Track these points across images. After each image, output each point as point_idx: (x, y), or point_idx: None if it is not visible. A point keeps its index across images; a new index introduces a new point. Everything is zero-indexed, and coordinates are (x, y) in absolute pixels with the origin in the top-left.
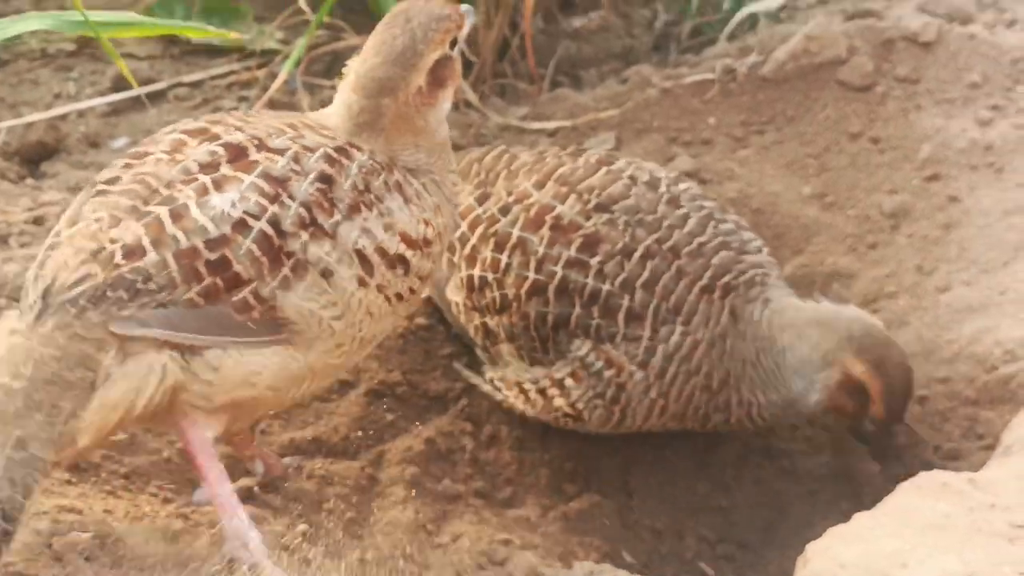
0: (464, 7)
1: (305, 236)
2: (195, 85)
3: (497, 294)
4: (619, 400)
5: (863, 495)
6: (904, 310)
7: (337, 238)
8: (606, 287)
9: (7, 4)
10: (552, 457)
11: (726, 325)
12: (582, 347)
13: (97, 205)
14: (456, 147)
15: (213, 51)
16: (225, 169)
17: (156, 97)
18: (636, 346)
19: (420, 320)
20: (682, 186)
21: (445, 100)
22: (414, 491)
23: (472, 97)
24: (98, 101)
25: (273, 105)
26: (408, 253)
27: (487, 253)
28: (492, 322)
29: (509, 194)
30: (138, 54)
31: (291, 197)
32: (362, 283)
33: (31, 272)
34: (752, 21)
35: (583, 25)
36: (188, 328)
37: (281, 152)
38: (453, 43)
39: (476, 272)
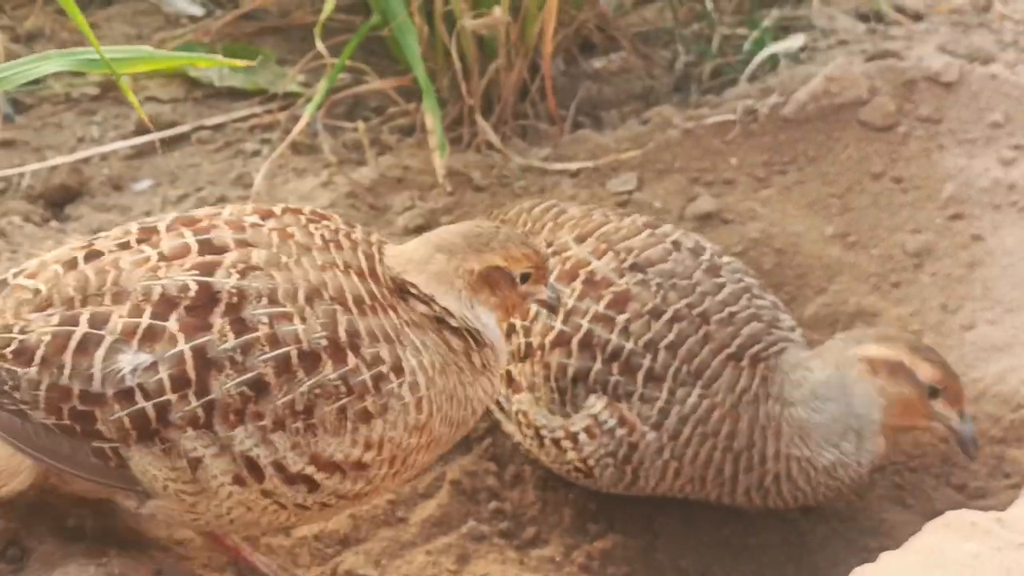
0: (551, 284)
1: (189, 433)
2: (217, 128)
3: (523, 341)
4: (631, 460)
5: (888, 535)
6: None
7: (228, 441)
8: (629, 345)
9: (31, 48)
10: (576, 496)
11: (756, 391)
12: (597, 404)
13: (54, 271)
14: (478, 188)
15: (235, 94)
16: (174, 319)
17: (179, 140)
18: (651, 407)
19: None
20: (725, 259)
21: (487, 306)
22: (438, 530)
23: (494, 138)
24: (121, 144)
25: (294, 147)
26: (318, 476)
27: None
28: (515, 370)
29: (548, 245)
30: (161, 97)
31: (203, 391)
32: (239, 482)
33: None
34: (773, 62)
35: (604, 66)
36: (40, 446)
37: (249, 327)
38: (524, 277)
39: None
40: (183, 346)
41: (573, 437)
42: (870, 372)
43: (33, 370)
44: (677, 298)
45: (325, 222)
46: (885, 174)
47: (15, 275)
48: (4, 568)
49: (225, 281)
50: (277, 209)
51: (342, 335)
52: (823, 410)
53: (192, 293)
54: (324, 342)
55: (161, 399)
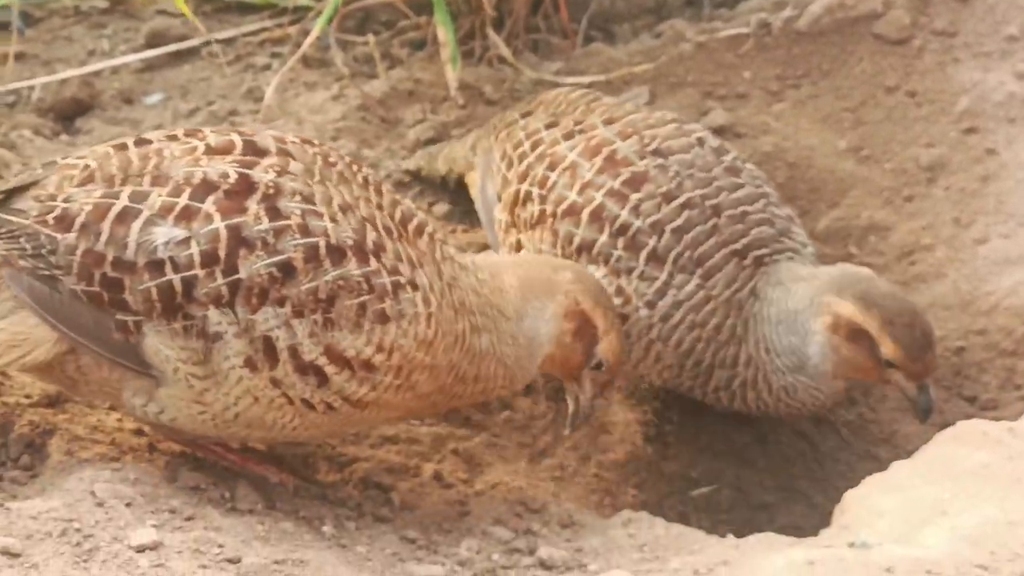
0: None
1: (212, 311)
2: (228, 42)
3: (536, 208)
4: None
5: (899, 446)
6: (941, 262)
7: (249, 323)
8: (637, 223)
9: None
10: None
11: (743, 297)
12: (596, 272)
13: (104, 151)
14: (489, 102)
15: (246, 8)
16: (211, 200)
17: (189, 53)
18: (648, 286)
19: None
20: (748, 165)
21: (553, 344)
22: (451, 440)
23: (506, 52)
24: (132, 58)
25: (305, 61)
26: (329, 368)
27: (539, 170)
28: (524, 237)
29: (577, 124)
30: (171, 11)
31: (231, 269)
32: (250, 365)
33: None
34: None
35: None
36: (65, 317)
37: (282, 215)
38: (576, 333)
39: (524, 186)
40: (218, 224)
41: None
42: (832, 329)
43: (72, 235)
44: (692, 187)
45: (374, 186)
46: (899, 88)
47: (64, 157)
48: (20, 475)
49: (264, 176)
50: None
51: (369, 243)
52: (781, 338)
53: (232, 180)
54: (350, 241)
55: (189, 273)
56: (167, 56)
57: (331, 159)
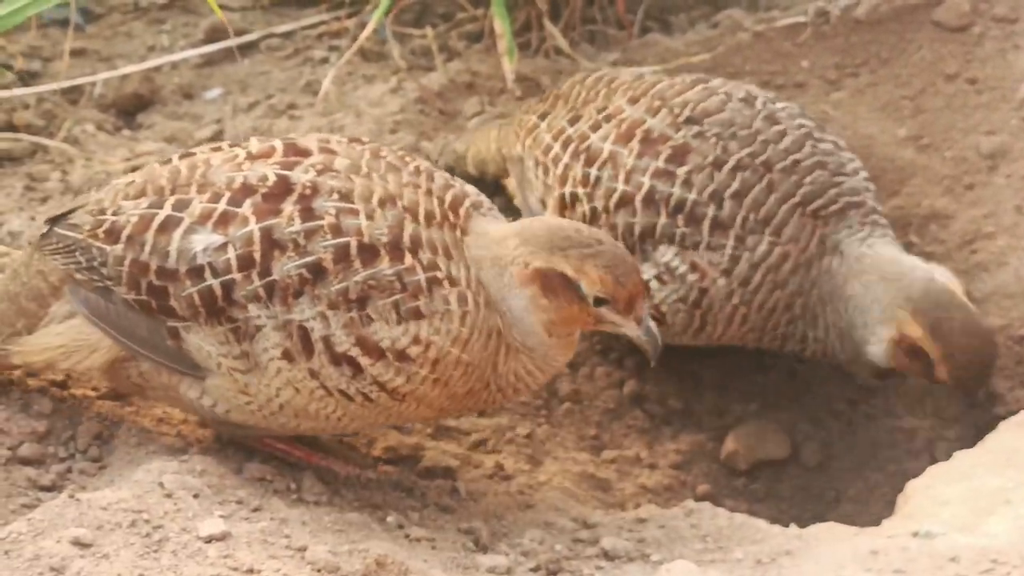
0: (648, 327)
1: (252, 307)
2: (286, 36)
3: (587, 207)
4: (700, 305)
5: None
6: (1002, 250)
7: (288, 307)
8: (692, 196)
9: None
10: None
11: (813, 254)
12: (667, 252)
13: (152, 167)
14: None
15: (304, 1)
16: (248, 204)
17: (248, 48)
18: (720, 254)
19: None
20: (780, 104)
21: (534, 305)
22: (511, 435)
23: (562, 43)
24: (191, 53)
25: (363, 54)
26: (363, 359)
27: (578, 170)
28: None
29: (600, 111)
30: (231, 5)
31: (266, 271)
32: (288, 357)
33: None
34: None
35: None
36: (120, 326)
37: (316, 215)
38: (598, 301)
39: (567, 190)
40: (252, 227)
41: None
42: (897, 342)
43: (119, 247)
44: (738, 148)
45: (426, 173)
46: (959, 75)
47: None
48: (88, 466)
49: (303, 176)
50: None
51: (405, 238)
52: (852, 330)
53: (270, 183)
54: (385, 238)
55: (227, 277)
56: (226, 51)
57: (381, 152)
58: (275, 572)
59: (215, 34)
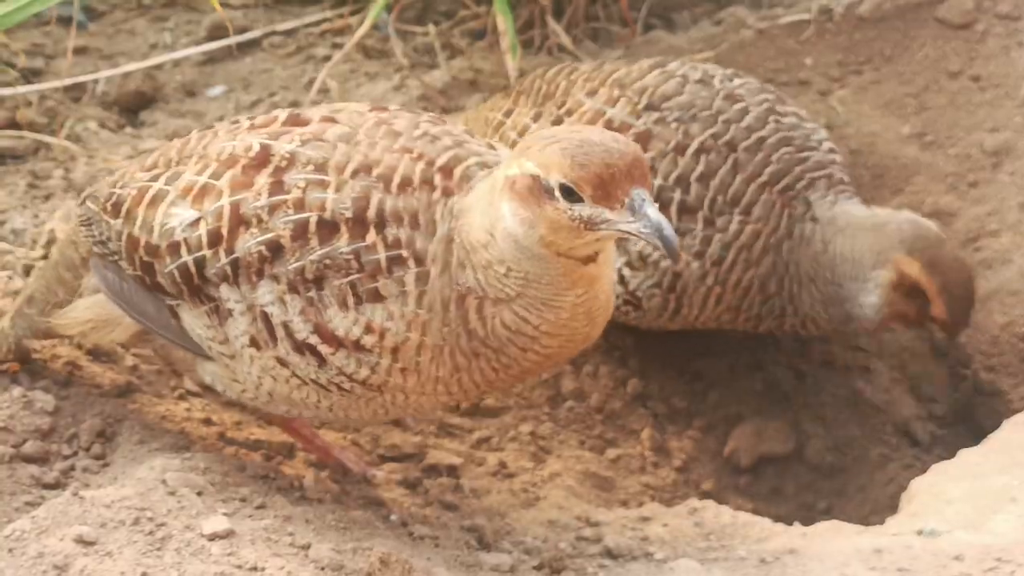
0: (647, 214)
1: (223, 288)
2: (289, 33)
3: None
4: (675, 288)
5: None
6: (1007, 248)
7: (251, 298)
8: (657, 182)
9: None
10: (654, 390)
11: (784, 232)
12: (639, 241)
13: (168, 145)
14: None
15: None
16: (226, 176)
17: (250, 45)
18: (691, 237)
19: None
20: (738, 81)
21: (518, 220)
22: (515, 433)
23: (565, 40)
24: (194, 50)
25: (366, 52)
26: (323, 348)
27: None
28: None
29: (560, 107)
30: (232, 3)
31: (231, 249)
32: (255, 344)
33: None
34: None
35: None
36: (132, 303)
37: (283, 189)
38: (567, 191)
39: None
40: (224, 201)
41: (618, 274)
42: (894, 286)
43: (119, 221)
44: (700, 130)
45: (448, 126)
46: (963, 72)
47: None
48: (92, 464)
49: (284, 147)
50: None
51: (371, 211)
52: (844, 289)
53: (252, 153)
54: (348, 213)
55: (199, 254)
56: (228, 48)
57: (392, 118)
58: (279, 570)
59: (217, 31)
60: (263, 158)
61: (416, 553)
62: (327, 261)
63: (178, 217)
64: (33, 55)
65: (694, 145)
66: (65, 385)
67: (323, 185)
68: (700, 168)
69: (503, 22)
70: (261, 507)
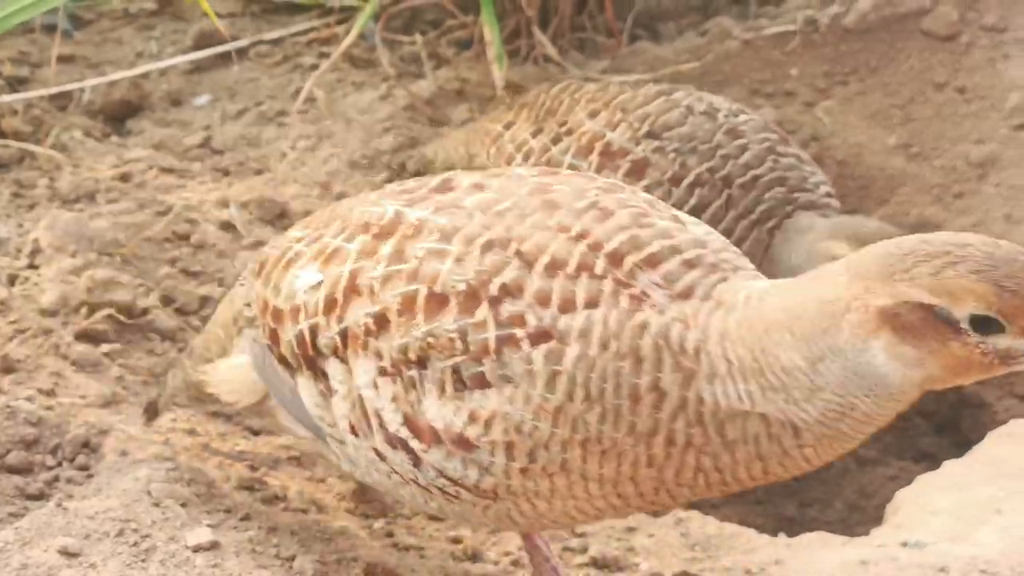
0: None
1: (331, 363)
2: (275, 42)
3: None
4: None
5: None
6: None
7: (351, 367)
8: None
9: None
10: None
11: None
12: None
13: (332, 205)
14: None
15: (293, 8)
16: (357, 241)
17: (237, 55)
18: None
19: None
20: (743, 117)
21: (900, 361)
22: None
23: (551, 51)
24: (181, 59)
25: (353, 61)
26: (415, 444)
27: None
28: None
29: (561, 126)
30: (219, 12)
31: (343, 317)
32: (354, 431)
33: None
34: None
35: None
36: (267, 377)
37: (402, 259)
38: (981, 322)
39: None
40: (346, 267)
41: None
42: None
43: (259, 282)
44: (697, 163)
45: (632, 192)
46: (948, 84)
47: None
48: (76, 475)
49: (417, 213)
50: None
51: (493, 286)
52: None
53: (384, 220)
54: (461, 286)
55: (314, 320)
56: (215, 57)
57: (555, 186)
58: None
59: (204, 40)
60: (394, 224)
61: (401, 564)
62: (430, 339)
63: (303, 279)
64: (18, 63)
65: (690, 178)
66: (49, 395)
67: (442, 256)
68: (693, 201)
69: (489, 32)
70: (246, 518)
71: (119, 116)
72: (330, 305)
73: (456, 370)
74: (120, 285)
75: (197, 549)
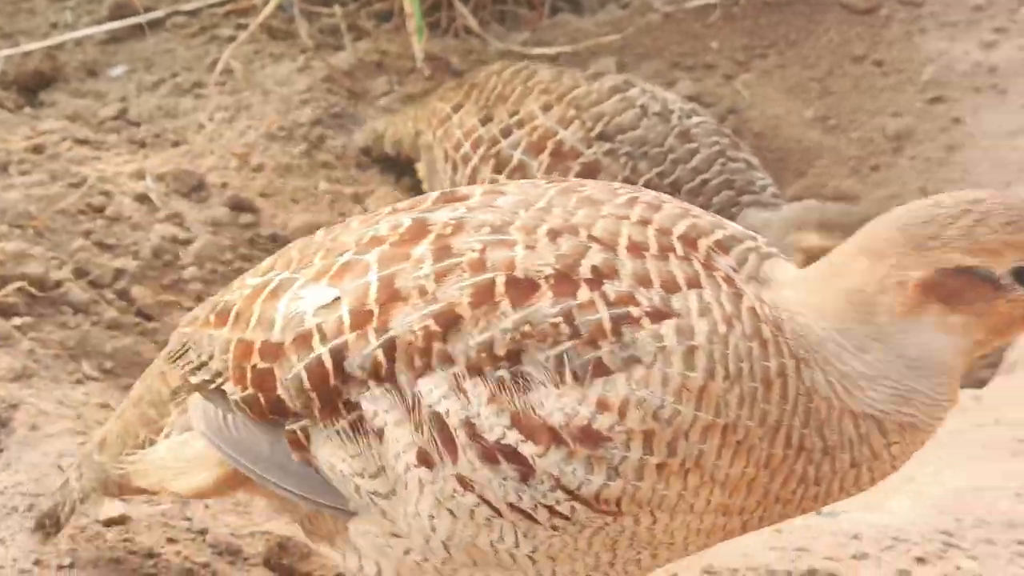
0: None
1: (371, 390)
2: (193, 13)
3: None
4: None
5: None
6: None
7: (414, 397)
8: None
9: None
10: None
11: None
12: None
13: (284, 249)
14: (456, 73)
15: None
16: (373, 253)
17: (153, 25)
18: None
19: None
20: (695, 119)
21: (943, 329)
22: None
23: (472, 23)
24: (96, 29)
25: (271, 32)
26: (527, 449)
27: (487, 173)
28: None
29: (512, 116)
30: None
31: (383, 327)
32: (425, 461)
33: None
34: None
35: None
36: (239, 443)
37: (453, 253)
38: (1020, 272)
39: None
40: (371, 276)
41: None
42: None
43: (226, 329)
44: (648, 168)
45: (655, 194)
46: (866, 57)
47: None
48: None
49: (446, 214)
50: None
51: (583, 268)
52: None
53: (402, 229)
54: (548, 270)
55: (338, 341)
56: (131, 28)
57: (580, 187)
58: (175, 555)
59: (120, 11)
60: (418, 230)
61: None
62: (526, 327)
63: (310, 300)
64: None
65: (639, 183)
66: None
67: (508, 244)
68: None
69: (409, 4)
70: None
71: (32, 87)
72: (361, 319)
73: (560, 358)
74: (32, 258)
75: (108, 523)
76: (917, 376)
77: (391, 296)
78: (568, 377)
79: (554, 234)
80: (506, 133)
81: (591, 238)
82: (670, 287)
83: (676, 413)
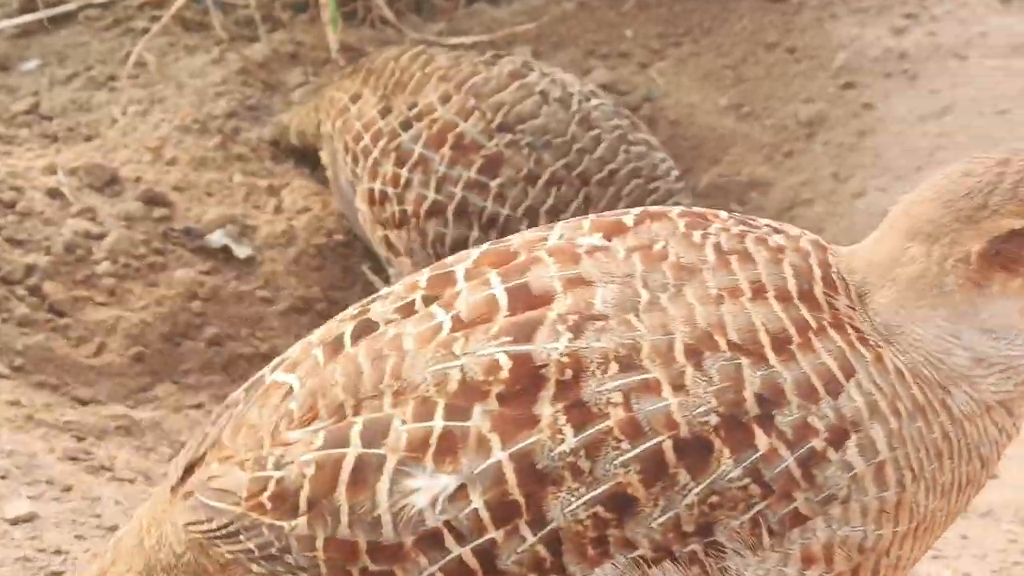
0: None
1: None
2: (106, 6)
3: (396, 209)
4: None
5: None
6: (820, 217)
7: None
8: (505, 211)
9: None
10: None
11: None
12: None
13: (314, 359)
14: None
15: None
16: (479, 414)
17: (66, 18)
18: None
19: (338, 236)
20: (594, 102)
21: (1006, 295)
22: None
23: (388, 13)
24: (7, 23)
25: (184, 24)
26: None
27: (388, 167)
28: (393, 235)
29: (411, 108)
30: None
31: (539, 519)
32: None
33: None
34: None
35: None
36: None
37: (592, 413)
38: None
39: (377, 186)
40: (499, 455)
41: None
42: None
43: (302, 521)
44: (553, 159)
45: (717, 224)
46: (779, 44)
47: (273, 368)
48: None
49: (552, 347)
50: (629, 219)
51: (749, 402)
52: None
53: (504, 373)
54: (714, 419)
55: (482, 540)
56: (43, 21)
57: (657, 245)
58: (84, 552)
59: (31, 3)
60: (528, 374)
61: None
62: (713, 499)
63: (422, 493)
64: None
65: (545, 175)
66: None
67: (652, 389)
68: (551, 201)
69: None
70: (67, 489)
71: None
72: (505, 512)
73: (756, 521)
74: None
75: (15, 521)
76: (1006, 345)
77: (537, 481)
78: (765, 538)
79: (694, 356)
80: (406, 126)
81: (732, 347)
82: (832, 389)
83: (879, 538)
